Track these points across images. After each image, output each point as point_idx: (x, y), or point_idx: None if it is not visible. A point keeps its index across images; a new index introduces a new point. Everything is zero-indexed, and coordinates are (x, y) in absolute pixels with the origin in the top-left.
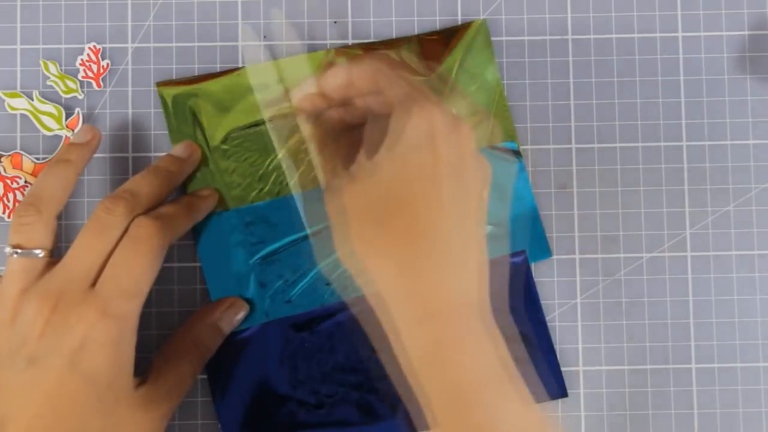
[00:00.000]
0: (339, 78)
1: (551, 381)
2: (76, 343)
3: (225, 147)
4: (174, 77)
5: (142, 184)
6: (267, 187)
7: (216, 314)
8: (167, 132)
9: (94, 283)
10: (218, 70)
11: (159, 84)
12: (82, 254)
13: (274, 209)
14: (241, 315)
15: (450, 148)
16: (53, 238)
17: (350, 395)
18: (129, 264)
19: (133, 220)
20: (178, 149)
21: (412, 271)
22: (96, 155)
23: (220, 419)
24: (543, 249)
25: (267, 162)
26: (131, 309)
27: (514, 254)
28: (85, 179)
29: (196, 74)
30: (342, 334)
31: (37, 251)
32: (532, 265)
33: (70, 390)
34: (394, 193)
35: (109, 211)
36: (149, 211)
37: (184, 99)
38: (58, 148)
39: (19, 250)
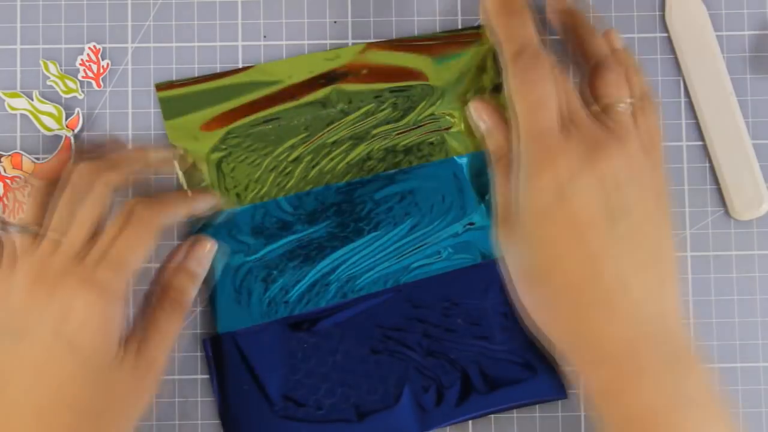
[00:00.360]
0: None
1: (550, 382)
2: (59, 314)
3: (223, 147)
4: (174, 77)
5: (114, 154)
6: (265, 188)
7: (179, 256)
8: (166, 132)
9: (82, 255)
10: (218, 70)
11: (158, 86)
12: (75, 227)
13: (272, 210)
14: (207, 248)
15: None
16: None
17: (348, 395)
18: (119, 238)
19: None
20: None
21: (581, 317)
22: None
23: (221, 419)
24: None
25: (265, 163)
26: (116, 280)
27: None
28: None
29: (195, 76)
30: (341, 334)
31: (30, 227)
32: None
33: (56, 361)
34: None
35: (88, 181)
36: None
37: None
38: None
39: (13, 226)
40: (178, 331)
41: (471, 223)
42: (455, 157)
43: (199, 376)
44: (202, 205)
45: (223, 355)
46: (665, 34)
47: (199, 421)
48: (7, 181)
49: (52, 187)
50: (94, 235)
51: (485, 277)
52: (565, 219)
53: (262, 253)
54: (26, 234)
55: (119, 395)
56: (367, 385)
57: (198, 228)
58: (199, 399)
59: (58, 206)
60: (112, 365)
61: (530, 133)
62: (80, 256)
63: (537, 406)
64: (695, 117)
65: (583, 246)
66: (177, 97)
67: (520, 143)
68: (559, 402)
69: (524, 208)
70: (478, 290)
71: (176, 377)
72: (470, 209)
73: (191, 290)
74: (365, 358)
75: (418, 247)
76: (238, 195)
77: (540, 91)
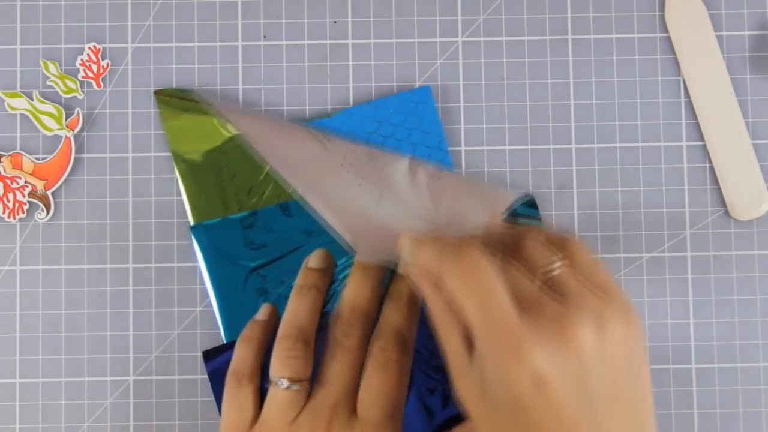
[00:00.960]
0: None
1: None
2: None
3: (225, 150)
4: (174, 77)
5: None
6: (267, 194)
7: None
8: (164, 133)
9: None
10: (218, 70)
11: (157, 93)
12: (338, 380)
13: (273, 215)
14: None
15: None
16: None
17: None
18: (385, 387)
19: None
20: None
21: None
22: (96, 155)
23: None
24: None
25: (267, 167)
26: (395, 427)
27: None
28: (84, 179)
29: (194, 89)
30: None
31: (304, 382)
32: None
33: None
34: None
35: (346, 335)
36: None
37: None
38: (299, 275)
39: (287, 383)
40: None
41: None
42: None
43: (199, 377)
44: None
45: (226, 362)
46: (665, 34)
47: (199, 422)
48: (7, 181)
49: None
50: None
51: None
52: (546, 409)
53: (263, 260)
54: (297, 389)
55: None
56: None
57: (198, 236)
58: (199, 399)
59: (328, 361)
60: None
61: (487, 324)
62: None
63: None
64: (695, 117)
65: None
66: (175, 102)
67: (476, 339)
68: None
69: (497, 400)
70: None
71: (176, 377)
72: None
73: None
74: None
75: None
76: (240, 200)
77: (484, 280)
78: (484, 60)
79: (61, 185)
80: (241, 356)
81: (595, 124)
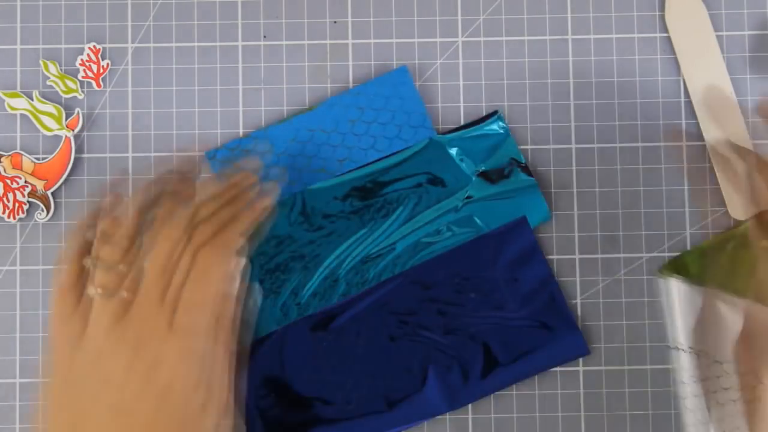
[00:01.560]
0: None
1: (570, 340)
2: (161, 387)
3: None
4: (174, 77)
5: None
6: None
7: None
8: None
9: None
10: (218, 70)
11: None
12: (154, 271)
13: (276, 221)
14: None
15: None
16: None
17: (376, 386)
18: (188, 281)
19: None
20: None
21: None
22: (96, 155)
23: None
24: (542, 211)
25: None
26: (197, 321)
27: (513, 221)
28: (84, 179)
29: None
30: (357, 327)
31: (123, 293)
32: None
33: (145, 406)
34: None
35: (169, 236)
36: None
37: None
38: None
39: (99, 290)
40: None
41: (469, 197)
42: (436, 137)
43: None
44: (260, 218)
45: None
46: (665, 34)
47: None
48: (7, 181)
49: (139, 226)
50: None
51: (491, 247)
52: None
53: (269, 266)
54: (112, 273)
55: None
56: (392, 373)
57: None
58: None
59: (143, 248)
60: (196, 410)
61: None
62: (160, 300)
63: (537, 407)
64: (695, 117)
65: None
66: None
67: None
68: (560, 402)
69: None
70: (486, 261)
71: None
72: (464, 182)
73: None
74: (386, 347)
75: (420, 227)
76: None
77: None
78: (484, 60)
79: (61, 185)
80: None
81: (595, 124)
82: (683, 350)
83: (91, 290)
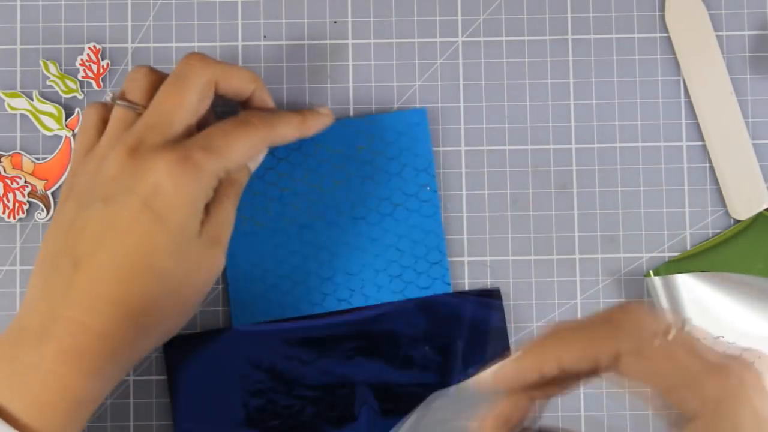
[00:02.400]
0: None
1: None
2: (151, 184)
3: None
4: None
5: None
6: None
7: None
8: None
9: (180, 138)
10: None
11: None
12: (164, 104)
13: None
14: (260, 153)
15: None
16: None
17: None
18: (225, 132)
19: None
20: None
21: None
22: None
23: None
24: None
25: None
26: (212, 166)
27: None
28: None
29: None
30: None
31: (137, 106)
32: (532, 260)
33: (142, 228)
34: None
35: (189, 65)
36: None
37: None
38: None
39: (120, 101)
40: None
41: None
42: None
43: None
44: (315, 127)
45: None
46: (665, 34)
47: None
48: (7, 181)
49: (162, 73)
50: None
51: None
52: None
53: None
54: (131, 110)
55: (197, 268)
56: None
57: None
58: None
59: (161, 88)
60: (192, 241)
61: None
62: (180, 139)
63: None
64: (695, 117)
65: None
66: None
67: None
68: (559, 401)
69: None
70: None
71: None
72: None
73: (246, 181)
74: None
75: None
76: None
77: None
78: (484, 60)
79: (61, 185)
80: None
81: (595, 124)
82: None
83: (109, 97)
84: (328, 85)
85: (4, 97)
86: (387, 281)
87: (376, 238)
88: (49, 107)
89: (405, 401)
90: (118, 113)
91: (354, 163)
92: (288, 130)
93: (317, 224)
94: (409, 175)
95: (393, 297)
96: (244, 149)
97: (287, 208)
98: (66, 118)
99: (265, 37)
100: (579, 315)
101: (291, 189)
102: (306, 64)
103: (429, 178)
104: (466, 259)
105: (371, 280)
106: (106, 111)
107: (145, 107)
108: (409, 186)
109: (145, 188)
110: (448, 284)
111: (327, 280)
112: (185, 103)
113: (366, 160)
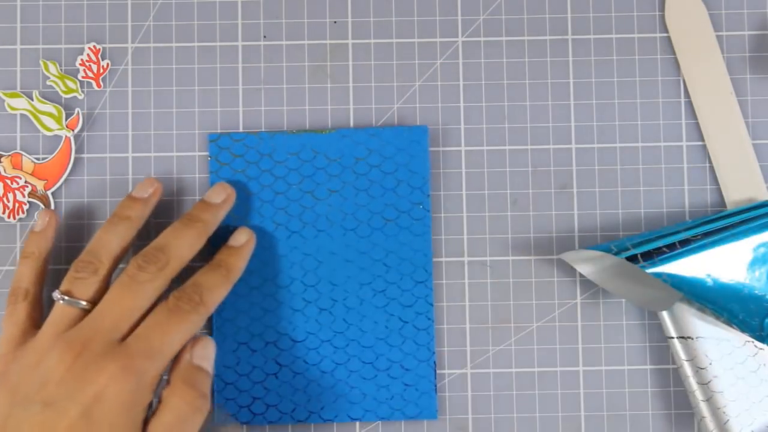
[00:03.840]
0: None
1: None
2: (93, 393)
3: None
4: (174, 77)
5: (174, 240)
6: None
7: (186, 354)
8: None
9: (122, 339)
10: (218, 70)
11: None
12: (112, 308)
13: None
14: (209, 348)
15: None
16: (103, 293)
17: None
18: (161, 329)
19: (173, 287)
20: (212, 194)
21: None
22: (96, 155)
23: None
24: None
25: None
26: (154, 370)
27: None
28: (84, 179)
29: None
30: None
31: (83, 302)
32: (533, 260)
33: (72, 410)
34: None
35: (141, 269)
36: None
37: None
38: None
39: (65, 297)
40: (202, 415)
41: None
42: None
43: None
44: (242, 268)
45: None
46: (665, 34)
47: None
48: (7, 181)
49: (109, 273)
50: (138, 320)
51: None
52: None
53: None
54: (76, 308)
55: None
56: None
57: None
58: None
59: (110, 289)
60: (120, 427)
61: None
62: (122, 340)
63: (537, 407)
64: (695, 117)
65: None
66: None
67: None
68: (559, 401)
69: None
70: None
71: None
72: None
73: (208, 384)
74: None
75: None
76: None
77: None
78: (484, 60)
79: (61, 185)
80: (19, 273)
81: (595, 124)
82: (672, 337)
83: (56, 294)
84: (328, 85)
85: (4, 97)
86: (370, 295)
87: (365, 251)
88: (49, 107)
89: None
90: (63, 309)
91: (350, 173)
92: (220, 292)
93: (307, 231)
94: (403, 192)
95: (375, 311)
96: (183, 338)
97: (278, 212)
98: (66, 118)
99: (265, 37)
100: (579, 315)
101: (284, 193)
102: (306, 64)
103: (423, 197)
104: (466, 259)
105: (354, 292)
106: (32, 309)
107: (93, 305)
108: (403, 203)
109: (87, 397)
110: (431, 305)
111: (310, 287)
112: (136, 307)
113: (362, 172)
